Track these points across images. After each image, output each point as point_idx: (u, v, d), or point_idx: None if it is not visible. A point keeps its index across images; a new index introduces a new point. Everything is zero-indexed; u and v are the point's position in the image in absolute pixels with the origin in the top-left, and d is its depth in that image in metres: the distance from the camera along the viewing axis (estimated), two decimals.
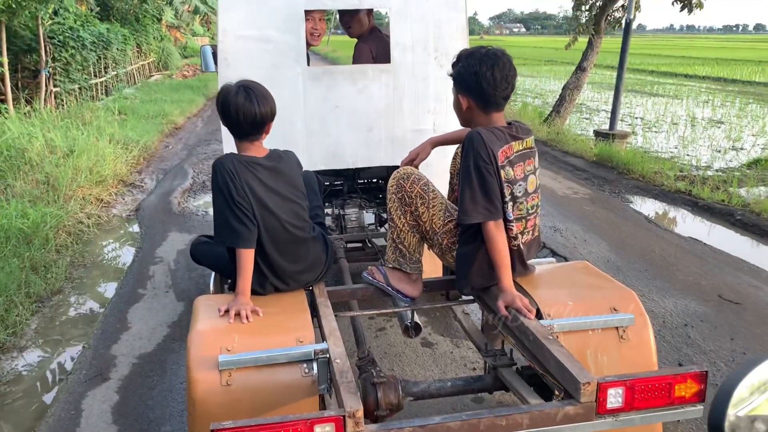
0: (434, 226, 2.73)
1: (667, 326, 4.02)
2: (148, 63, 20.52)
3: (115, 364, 3.60)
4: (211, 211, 6.63)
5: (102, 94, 14.31)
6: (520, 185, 2.52)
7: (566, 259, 5.05)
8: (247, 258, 2.48)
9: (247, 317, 2.35)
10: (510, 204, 2.51)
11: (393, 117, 3.75)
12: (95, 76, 13.91)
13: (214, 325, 2.31)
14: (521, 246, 2.61)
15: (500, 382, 2.60)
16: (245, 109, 2.45)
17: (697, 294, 4.53)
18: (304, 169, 3.89)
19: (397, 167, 2.84)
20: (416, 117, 3.78)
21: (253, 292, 2.53)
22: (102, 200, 6.96)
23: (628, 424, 1.97)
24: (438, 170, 3.24)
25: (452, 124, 3.02)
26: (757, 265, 5.14)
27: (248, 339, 2.22)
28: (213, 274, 3.13)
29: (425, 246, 2.87)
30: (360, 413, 1.82)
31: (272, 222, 2.53)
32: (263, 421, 1.74)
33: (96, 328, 4.07)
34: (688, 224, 6.48)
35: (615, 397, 1.93)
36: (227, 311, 2.36)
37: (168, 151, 10.35)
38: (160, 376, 3.46)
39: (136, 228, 6.31)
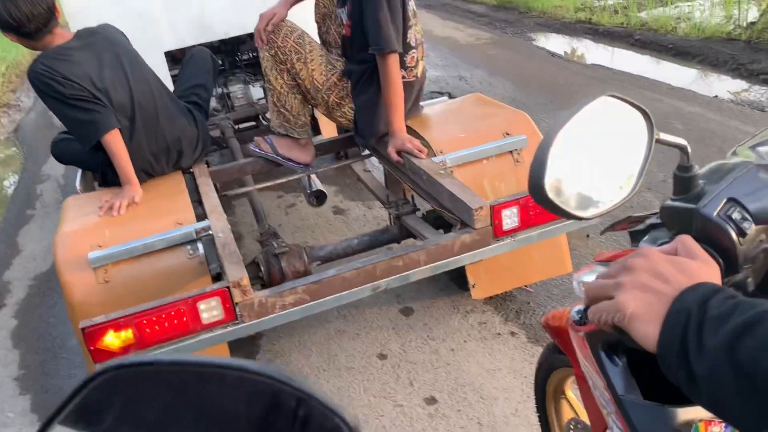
0: (315, 83, 2.52)
1: None
2: None
3: (9, 289, 3.34)
4: None
5: None
6: (410, 6, 2.34)
7: None
8: (114, 142, 2.22)
9: (119, 209, 2.14)
10: (411, 29, 2.34)
11: None
12: None
13: (82, 223, 2.11)
14: (418, 77, 2.47)
15: (406, 231, 2.51)
16: (11, 12, 2.08)
17: None
18: (173, 47, 3.55)
19: None
20: None
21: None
22: None
23: (528, 241, 1.93)
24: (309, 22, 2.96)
25: None
26: (656, 79, 5.17)
27: (122, 231, 2.03)
28: (79, 172, 2.87)
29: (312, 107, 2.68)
30: (245, 281, 1.69)
31: (116, 101, 2.26)
32: (137, 309, 1.60)
33: None
34: (591, 52, 6.43)
35: (510, 218, 1.87)
36: (112, 205, 2.14)
37: None
38: (60, 294, 3.23)
39: (17, 149, 5.78)
